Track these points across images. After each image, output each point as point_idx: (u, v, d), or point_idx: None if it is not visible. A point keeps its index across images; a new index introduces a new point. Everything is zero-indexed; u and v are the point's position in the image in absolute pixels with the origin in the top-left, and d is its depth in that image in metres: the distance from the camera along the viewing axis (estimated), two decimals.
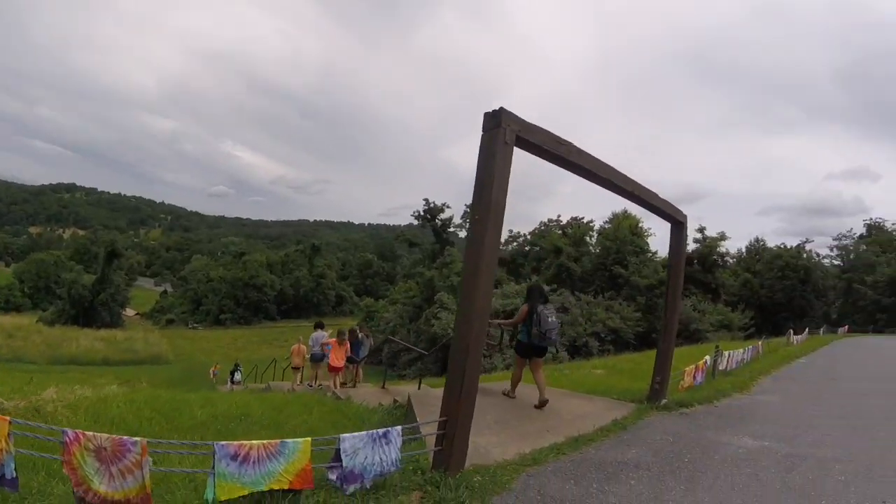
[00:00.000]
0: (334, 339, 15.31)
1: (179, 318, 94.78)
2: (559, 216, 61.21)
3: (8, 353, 41.50)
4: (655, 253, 49.40)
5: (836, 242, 64.12)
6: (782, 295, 52.68)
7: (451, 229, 65.60)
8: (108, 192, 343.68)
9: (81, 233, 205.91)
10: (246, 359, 44.03)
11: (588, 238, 54.37)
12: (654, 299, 40.89)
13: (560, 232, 56.90)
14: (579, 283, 45.76)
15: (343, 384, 15.40)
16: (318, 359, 16.46)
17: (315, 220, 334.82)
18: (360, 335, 17.69)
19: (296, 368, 18.03)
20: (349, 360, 15.85)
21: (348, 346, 15.62)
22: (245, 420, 7.80)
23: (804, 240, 62.91)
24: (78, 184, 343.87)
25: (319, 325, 17.92)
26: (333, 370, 14.95)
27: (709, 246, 49.59)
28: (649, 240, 50.30)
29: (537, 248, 58.60)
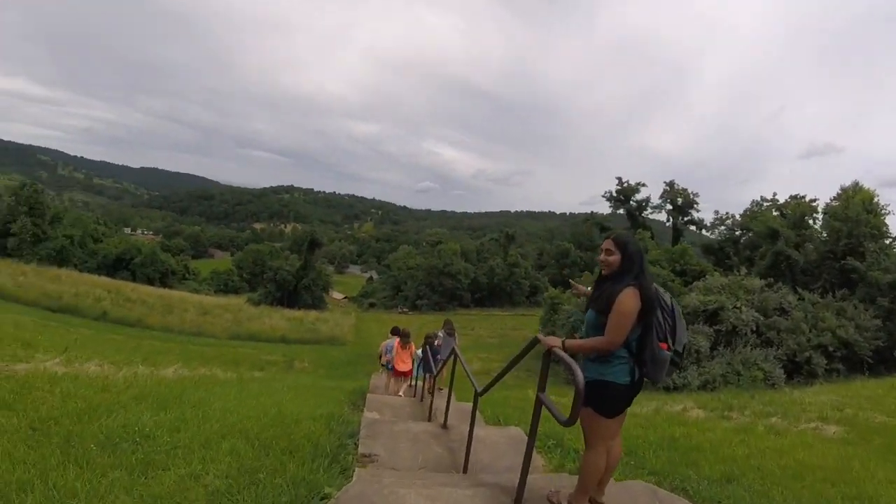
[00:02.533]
0: (397, 341, 14.51)
1: (380, 302, 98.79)
2: (774, 194, 50.68)
3: (193, 327, 44.89)
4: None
5: None
6: None
7: (648, 212, 57.50)
8: (324, 192, 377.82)
9: (300, 227, 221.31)
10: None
11: (811, 220, 42.77)
12: None
13: (777, 213, 46.68)
14: (801, 277, 37.20)
15: (430, 392, 12.78)
16: (390, 368, 15.40)
17: (516, 211, 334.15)
18: (437, 341, 15.08)
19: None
20: (425, 368, 14.02)
21: (413, 347, 14.56)
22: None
23: None
24: (296, 185, 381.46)
25: (395, 332, 16.55)
26: (398, 374, 14.26)
27: None
28: (887, 220, 37.40)
29: (749, 234, 49.98)
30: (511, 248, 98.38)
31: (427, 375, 14.25)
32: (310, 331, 50.37)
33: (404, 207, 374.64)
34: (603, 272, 4.13)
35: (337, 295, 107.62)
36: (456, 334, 15.46)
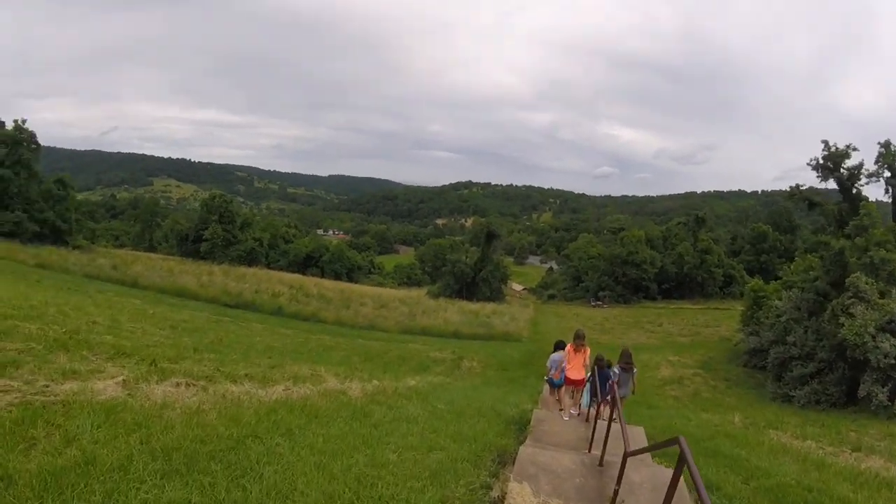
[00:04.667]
0: (570, 345, 12.63)
1: (560, 293, 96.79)
2: None
3: (366, 321, 44.55)
4: None
5: None
6: None
7: (862, 181, 47.90)
8: (501, 185, 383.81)
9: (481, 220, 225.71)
10: (607, 344, 38.14)
11: None
12: None
13: None
14: None
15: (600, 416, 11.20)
16: (555, 385, 14.03)
17: (703, 192, 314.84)
18: (615, 366, 13.64)
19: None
20: (592, 393, 12.58)
21: (587, 352, 12.56)
22: None
23: None
24: (473, 181, 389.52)
25: (559, 346, 14.83)
26: (569, 383, 12.58)
27: None
28: None
29: None
30: (701, 233, 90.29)
31: (595, 402, 12.43)
32: (483, 325, 48.57)
33: (583, 195, 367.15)
34: None
35: (516, 286, 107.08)
36: (635, 368, 13.91)
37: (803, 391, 27.49)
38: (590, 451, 8.80)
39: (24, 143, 58.36)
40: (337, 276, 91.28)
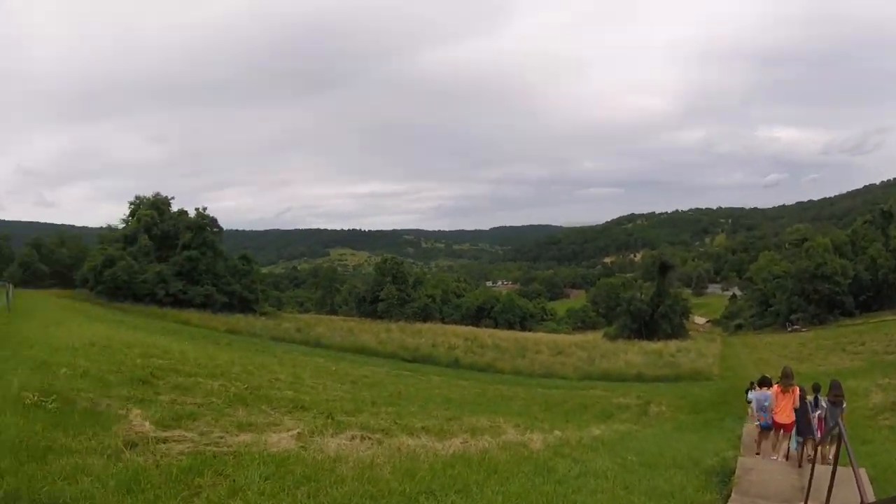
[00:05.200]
0: (776, 385, 11.96)
1: (748, 322, 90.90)
2: None
3: (542, 369, 43.73)
4: None
5: None
6: None
7: None
8: (666, 213, 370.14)
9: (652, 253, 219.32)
10: (807, 374, 34.35)
11: None
12: None
13: None
14: None
15: (810, 457, 10.43)
16: (765, 428, 12.64)
17: (882, 182, 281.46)
18: (821, 398, 12.86)
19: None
20: (799, 430, 11.60)
21: (796, 392, 11.62)
22: None
23: None
24: (636, 212, 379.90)
25: (764, 383, 13.90)
26: (777, 427, 11.71)
27: None
28: None
29: None
30: (891, 228, 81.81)
31: (804, 439, 11.80)
32: (669, 365, 45.95)
33: (755, 209, 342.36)
34: None
35: (698, 319, 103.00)
36: (845, 402, 12.76)
37: None
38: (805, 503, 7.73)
39: (207, 227, 67.92)
40: (510, 326, 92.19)
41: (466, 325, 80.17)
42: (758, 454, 13.10)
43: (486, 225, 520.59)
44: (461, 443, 9.19)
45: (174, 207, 69.74)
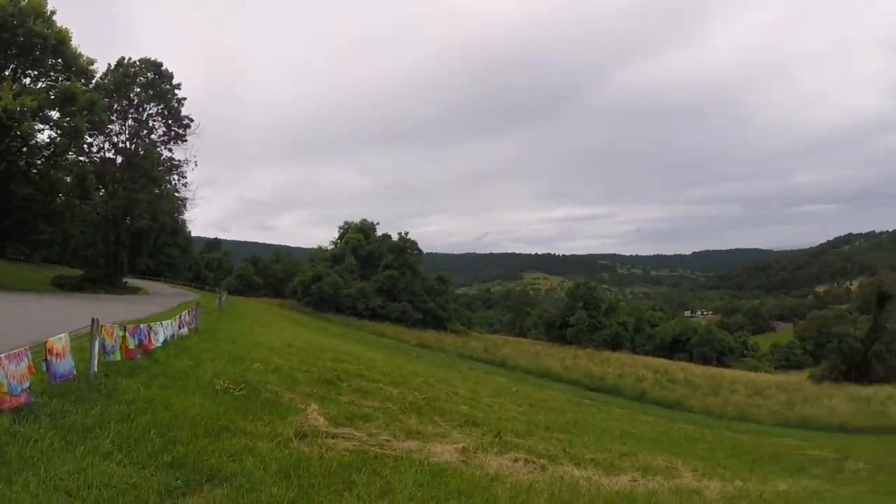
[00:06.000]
0: None
1: None
2: None
3: (735, 410, 41.03)
4: None
5: None
6: None
7: None
8: (887, 231, 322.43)
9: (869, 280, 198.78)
10: None
11: None
12: None
13: None
14: None
15: None
16: None
17: None
18: None
19: None
20: None
21: None
22: None
23: None
24: (854, 232, 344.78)
25: None
26: None
27: None
28: None
29: None
30: None
31: None
32: (876, 415, 40.61)
33: None
34: None
35: None
36: None
37: None
38: None
39: (408, 250, 74.00)
40: (706, 360, 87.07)
41: (658, 356, 77.95)
42: None
43: (687, 249, 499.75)
44: (629, 480, 8.92)
45: (379, 232, 78.84)
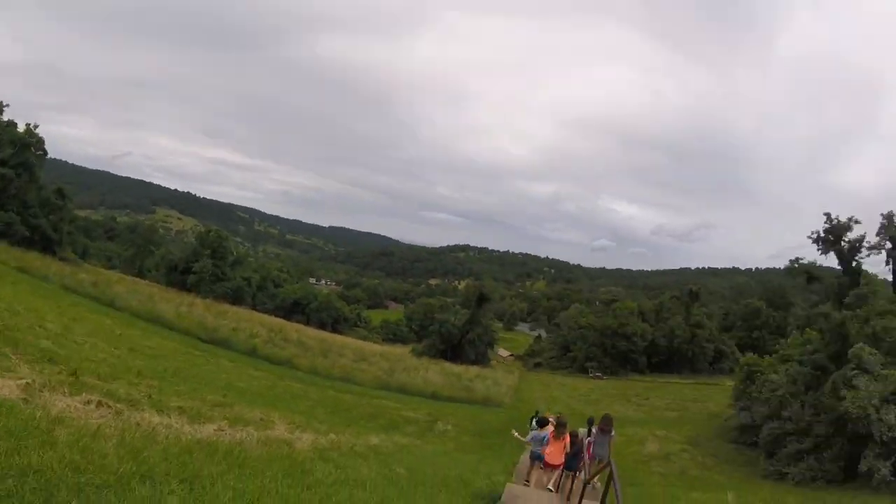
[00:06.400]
0: (551, 432, 13.37)
1: (547, 362, 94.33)
2: None
3: (342, 373, 42.50)
4: None
5: None
6: None
7: (864, 253, 47.51)
8: (498, 250, 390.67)
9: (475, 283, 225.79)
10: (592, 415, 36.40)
11: None
12: None
13: None
14: None
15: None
16: (537, 458, 13.83)
17: (697, 268, 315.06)
18: (588, 438, 15.19)
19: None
20: (567, 465, 12.95)
21: (567, 438, 13.22)
22: None
23: None
24: (471, 244, 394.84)
25: (542, 423, 15.84)
26: (548, 467, 13.09)
27: None
28: None
29: None
30: (694, 307, 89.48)
31: (571, 473, 13.31)
32: (464, 388, 46.65)
33: (578, 266, 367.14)
34: None
35: (503, 352, 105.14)
36: (613, 431, 14.72)
37: (798, 468, 25.95)
38: None
39: (32, 148, 57.25)
40: (322, 325, 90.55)
41: (278, 316, 78.11)
42: (527, 482, 13.85)
43: (326, 222, 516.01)
44: (215, 430, 8.22)
45: (5, 116, 59.52)
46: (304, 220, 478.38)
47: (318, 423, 14.94)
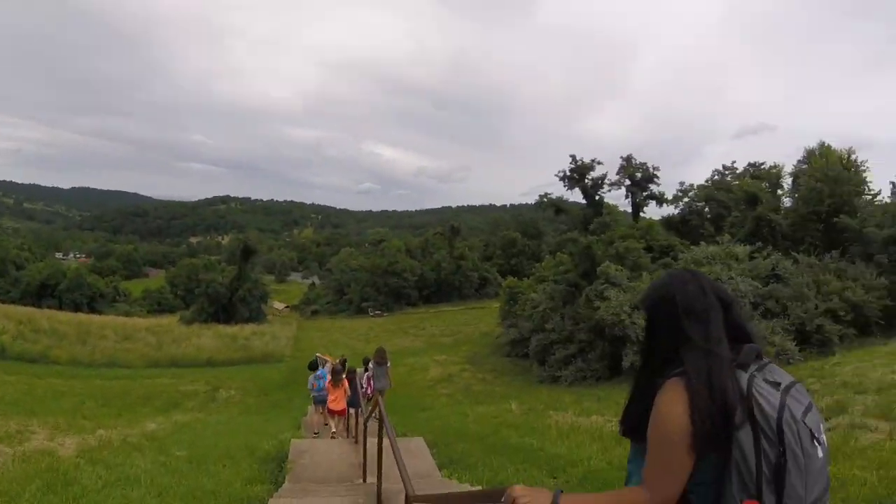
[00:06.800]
0: (328, 380, 13.52)
1: (324, 308, 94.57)
2: (734, 162, 51.13)
3: (105, 357, 39.24)
4: (878, 193, 35.78)
5: None
6: None
7: (605, 189, 54.21)
8: (262, 200, 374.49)
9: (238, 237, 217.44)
10: (370, 353, 37.37)
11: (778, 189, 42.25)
12: None
13: (751, 179, 44.62)
14: (783, 242, 34.42)
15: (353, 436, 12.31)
16: (319, 401, 14.26)
17: (458, 206, 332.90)
18: (367, 373, 15.77)
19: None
20: (350, 403, 13.30)
21: (346, 383, 13.34)
22: None
23: None
24: (232, 195, 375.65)
25: (312, 366, 16.55)
26: (331, 413, 13.22)
27: None
28: (866, 176, 36.29)
29: (712, 204, 47.90)
30: (456, 242, 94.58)
31: (354, 411, 13.32)
32: (242, 349, 45.29)
33: (345, 210, 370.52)
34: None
35: (278, 305, 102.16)
36: (388, 362, 15.40)
37: (568, 370, 29.05)
38: (365, 481, 7.55)
39: None
40: (77, 307, 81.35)
41: (26, 304, 68.85)
42: (316, 434, 13.84)
43: (66, 183, 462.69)
44: None
45: None
46: (42, 184, 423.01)
47: (85, 421, 14.03)
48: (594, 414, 12.97)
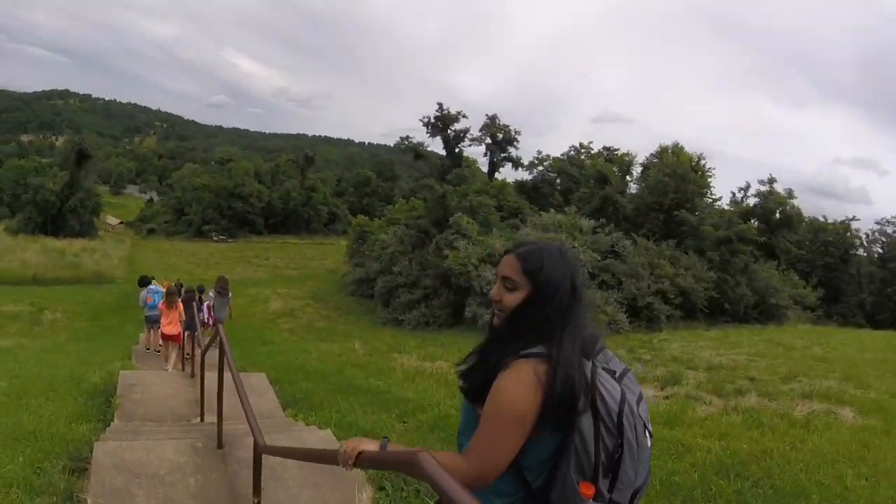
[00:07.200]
0: (162, 302, 12.74)
1: (161, 227, 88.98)
2: (590, 142, 53.90)
3: None
4: (719, 199, 41.21)
5: (877, 227, 50.66)
6: (822, 273, 44.13)
7: (466, 143, 55.37)
8: (104, 99, 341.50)
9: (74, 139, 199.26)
10: (212, 280, 35.89)
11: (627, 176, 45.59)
12: (728, 258, 32.19)
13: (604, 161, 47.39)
14: (626, 224, 37.43)
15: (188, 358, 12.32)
16: (153, 321, 14.04)
17: (314, 136, 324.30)
18: (208, 301, 15.18)
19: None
20: (187, 326, 12.61)
21: (181, 306, 12.55)
22: None
23: (850, 217, 48.70)
24: (72, 90, 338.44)
25: (143, 283, 15.48)
26: (165, 339, 12.37)
27: (776, 201, 40.85)
28: (710, 181, 41.15)
29: (564, 177, 51.05)
30: (309, 172, 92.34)
31: (188, 334, 12.75)
32: (70, 266, 42.17)
33: (193, 122, 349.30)
34: (494, 321, 2.02)
35: (111, 220, 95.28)
36: (230, 293, 14.70)
37: (412, 315, 30.03)
38: (203, 420, 6.94)
39: None
40: None
41: None
42: (148, 349, 13.88)
43: None
44: None
45: None
46: None
47: None
48: (438, 359, 13.30)
